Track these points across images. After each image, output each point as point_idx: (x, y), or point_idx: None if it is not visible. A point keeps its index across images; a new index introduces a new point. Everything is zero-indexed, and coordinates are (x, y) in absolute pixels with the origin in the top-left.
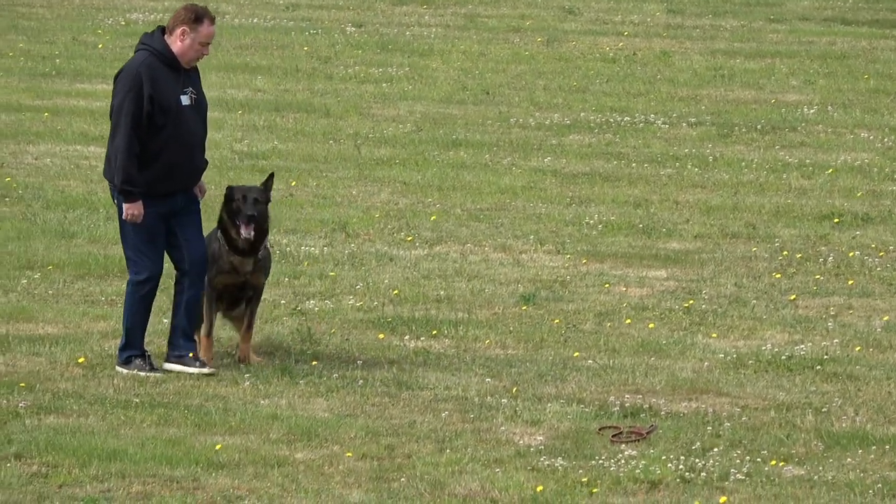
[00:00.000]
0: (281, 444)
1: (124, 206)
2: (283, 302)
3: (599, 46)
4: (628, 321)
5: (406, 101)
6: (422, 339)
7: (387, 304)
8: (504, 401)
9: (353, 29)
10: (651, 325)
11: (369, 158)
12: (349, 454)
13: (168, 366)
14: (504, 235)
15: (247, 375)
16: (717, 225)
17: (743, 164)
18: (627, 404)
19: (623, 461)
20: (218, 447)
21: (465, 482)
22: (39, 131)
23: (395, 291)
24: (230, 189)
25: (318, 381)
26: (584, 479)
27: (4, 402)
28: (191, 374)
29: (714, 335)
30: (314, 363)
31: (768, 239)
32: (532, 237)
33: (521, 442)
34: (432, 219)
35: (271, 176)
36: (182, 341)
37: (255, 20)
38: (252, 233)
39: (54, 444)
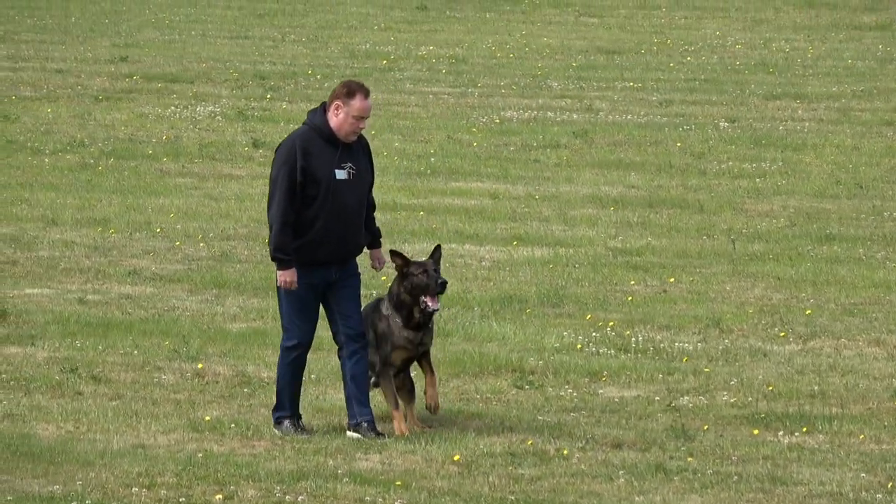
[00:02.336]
0: None
1: (278, 273)
2: (657, 398)
3: None
4: None
5: (779, 195)
6: (796, 434)
7: (761, 399)
8: (879, 496)
9: (727, 124)
10: None
11: (743, 254)
12: None
13: (349, 434)
14: (878, 330)
15: (621, 472)
16: None
17: None
18: None
19: None
20: None
21: None
22: (414, 230)
23: (770, 387)
24: (406, 263)
25: (692, 477)
26: None
27: (381, 500)
28: (365, 439)
29: None
30: (689, 459)
31: None
32: None
33: None
34: (807, 313)
35: (438, 247)
36: (356, 408)
37: (628, 116)
38: (438, 305)
39: None
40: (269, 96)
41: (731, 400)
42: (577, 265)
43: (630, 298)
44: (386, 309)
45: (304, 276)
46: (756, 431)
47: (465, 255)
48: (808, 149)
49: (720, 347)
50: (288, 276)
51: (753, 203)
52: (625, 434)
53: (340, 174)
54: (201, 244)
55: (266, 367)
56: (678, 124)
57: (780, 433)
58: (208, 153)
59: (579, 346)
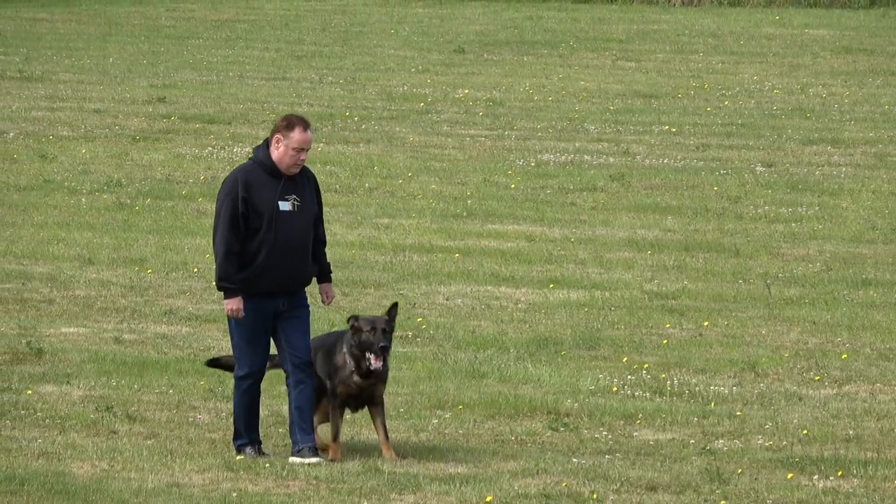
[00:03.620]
0: None
1: (224, 302)
2: (691, 441)
3: None
4: None
5: (816, 240)
6: (831, 478)
7: (796, 443)
8: None
9: (763, 168)
10: None
11: (779, 298)
12: None
13: (291, 459)
14: None
15: None
16: None
17: None
18: None
19: None
20: None
21: None
22: (451, 272)
23: (805, 431)
24: (356, 319)
25: None
26: None
27: None
28: (307, 464)
29: None
30: (724, 503)
31: None
32: None
33: None
34: (842, 358)
35: (395, 305)
36: (299, 436)
37: (665, 160)
38: (381, 364)
39: None
40: None
41: (766, 444)
42: (612, 308)
43: (665, 342)
44: (344, 347)
45: (252, 306)
46: (791, 475)
47: (500, 298)
48: (844, 194)
49: (755, 391)
50: (234, 304)
51: (789, 247)
52: (659, 477)
53: (284, 205)
54: None
55: None
56: (715, 168)
57: (815, 477)
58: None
59: (615, 388)
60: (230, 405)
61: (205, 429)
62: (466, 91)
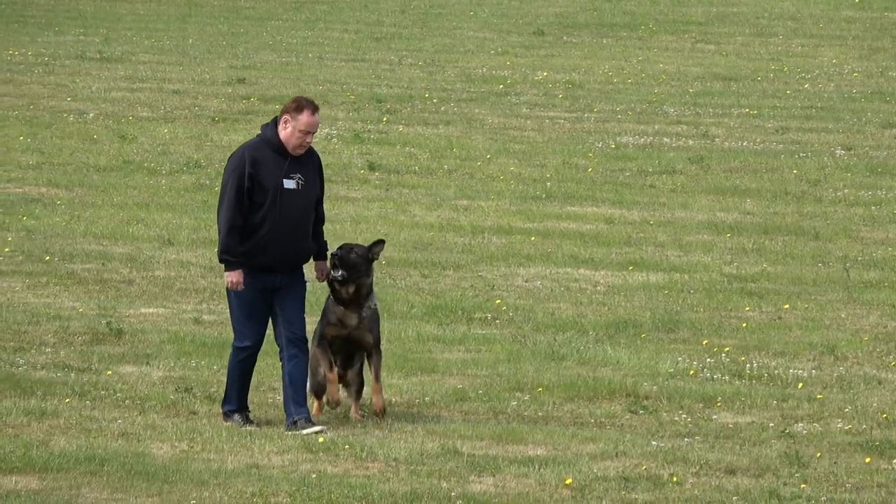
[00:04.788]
0: None
1: (225, 274)
2: (771, 425)
3: None
4: None
5: (895, 223)
6: None
7: (875, 427)
8: None
9: (843, 152)
10: None
11: (858, 281)
12: None
13: (287, 432)
14: None
15: (735, 498)
16: None
17: None
18: None
19: None
20: None
21: None
22: (530, 254)
23: (884, 415)
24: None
25: (806, 503)
26: None
27: None
28: (306, 434)
29: None
30: (803, 486)
31: None
32: None
33: None
34: None
35: (380, 241)
36: (293, 408)
37: (744, 143)
38: (340, 273)
39: None
40: (385, 119)
41: (846, 427)
42: (692, 291)
43: (745, 325)
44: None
45: (252, 280)
46: (869, 459)
47: (580, 280)
48: None
49: (835, 374)
50: (234, 277)
51: (869, 230)
52: (738, 460)
53: (289, 184)
54: None
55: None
56: (794, 151)
57: (895, 461)
58: (324, 175)
59: (693, 371)
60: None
61: (284, 409)
62: (546, 73)
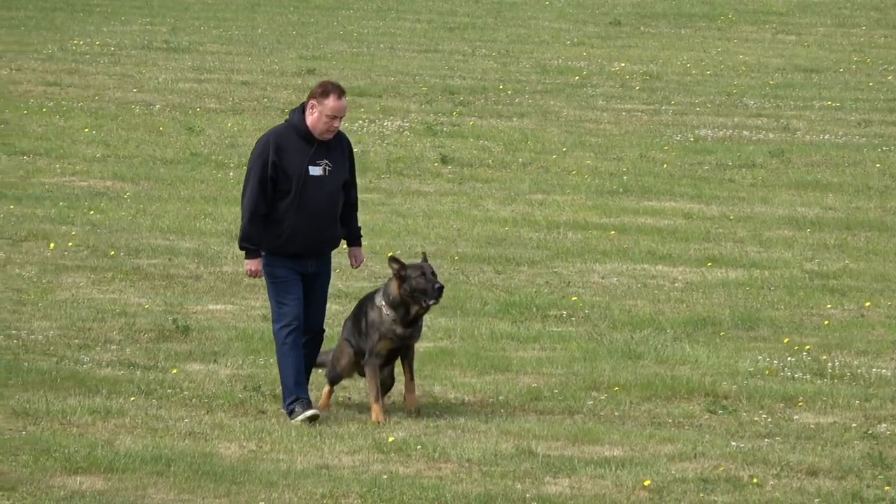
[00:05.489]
0: None
1: (245, 262)
2: (853, 425)
3: None
4: None
5: None
6: None
7: None
8: None
9: None
10: None
11: None
12: None
13: (292, 420)
14: None
15: (816, 500)
16: None
17: None
18: None
19: None
20: None
21: None
22: (606, 250)
23: None
24: (403, 267)
25: None
26: None
27: None
28: (302, 418)
29: None
30: (887, 488)
31: None
32: None
33: None
34: None
35: (424, 255)
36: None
37: (826, 136)
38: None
39: None
40: (458, 111)
41: None
42: (772, 287)
43: (826, 322)
44: (380, 300)
45: (283, 264)
46: None
47: (657, 276)
48: None
49: None
50: (253, 266)
51: None
52: (820, 461)
53: (315, 170)
54: None
55: (453, 388)
56: (877, 145)
57: None
58: (396, 168)
59: (773, 370)
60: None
61: (354, 409)
62: (622, 64)
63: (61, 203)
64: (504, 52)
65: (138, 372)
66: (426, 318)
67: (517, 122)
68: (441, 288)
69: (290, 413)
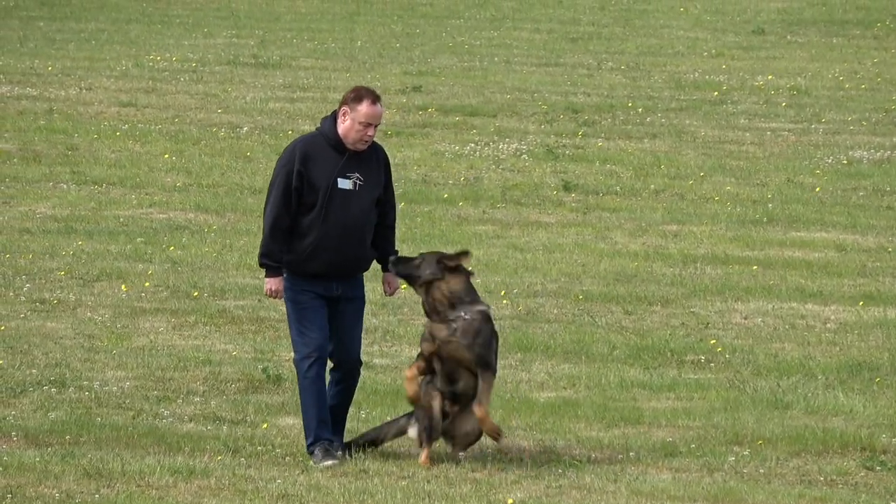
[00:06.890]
0: None
1: (265, 280)
2: None
3: None
4: None
5: None
6: None
7: None
8: None
9: None
10: None
11: None
12: None
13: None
14: None
15: None
16: None
17: None
18: None
19: None
20: None
21: None
22: (749, 286)
23: None
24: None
25: None
26: None
27: None
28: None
29: None
30: None
31: None
32: None
33: None
34: None
35: (464, 252)
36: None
37: None
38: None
39: None
40: (582, 132)
41: None
42: None
43: None
44: None
45: (306, 286)
46: None
47: (807, 316)
48: None
49: None
50: (274, 285)
51: None
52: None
53: (344, 183)
54: (504, 301)
55: (578, 443)
56: None
57: None
58: (513, 197)
59: None
60: (492, 443)
61: (467, 468)
62: (767, 78)
63: (138, 238)
64: (634, 66)
65: (224, 427)
66: (773, 389)
67: (648, 144)
68: (397, 260)
69: (311, 455)
